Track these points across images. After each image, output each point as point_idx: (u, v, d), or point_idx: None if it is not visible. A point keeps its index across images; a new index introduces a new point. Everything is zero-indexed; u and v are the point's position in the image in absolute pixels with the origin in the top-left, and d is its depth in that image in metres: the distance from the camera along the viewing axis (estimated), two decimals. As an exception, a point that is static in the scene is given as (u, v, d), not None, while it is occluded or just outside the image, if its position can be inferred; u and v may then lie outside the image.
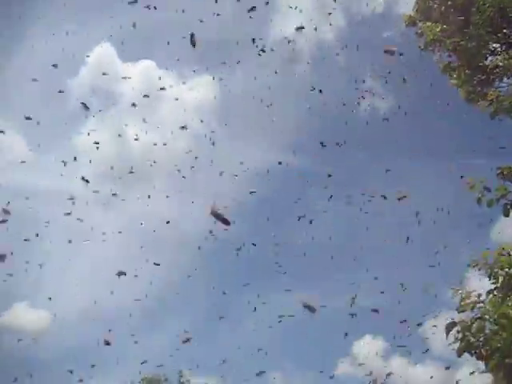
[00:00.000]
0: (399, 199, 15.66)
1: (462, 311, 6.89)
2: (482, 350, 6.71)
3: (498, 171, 10.39)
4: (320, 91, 16.43)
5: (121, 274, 16.07)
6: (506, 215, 8.60)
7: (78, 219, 18.43)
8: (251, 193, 18.61)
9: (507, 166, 10.22)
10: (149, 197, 19.59)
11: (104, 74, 22.93)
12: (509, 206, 9.33)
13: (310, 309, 14.42)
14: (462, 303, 6.90)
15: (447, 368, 16.81)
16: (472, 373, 18.31)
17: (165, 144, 19.91)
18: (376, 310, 16.01)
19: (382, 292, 18.35)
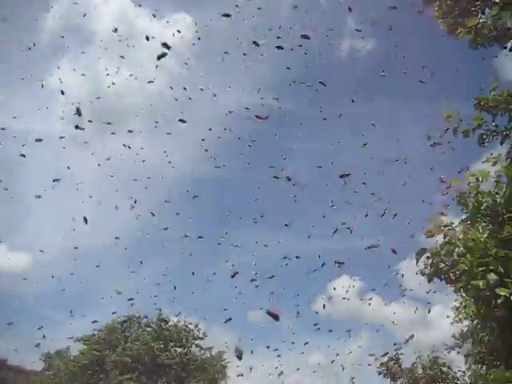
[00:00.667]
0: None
1: (430, 236, 6.96)
2: (451, 274, 6.82)
3: (475, 102, 10.35)
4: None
5: None
6: (482, 144, 8.62)
7: (54, 160, 18.17)
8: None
9: (484, 96, 10.16)
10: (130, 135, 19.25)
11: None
12: (484, 136, 9.35)
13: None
14: (430, 228, 6.95)
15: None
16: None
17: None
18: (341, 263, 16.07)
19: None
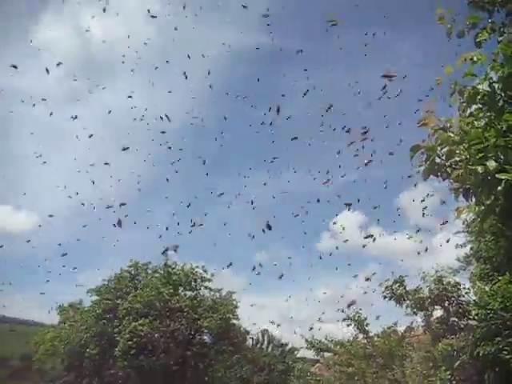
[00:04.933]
0: (386, 76, 14.79)
1: (424, 125, 6.54)
2: (447, 168, 6.46)
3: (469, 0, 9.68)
4: None
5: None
6: (479, 46, 8.09)
7: (49, 116, 17.81)
8: None
9: None
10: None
11: None
12: (480, 35, 8.79)
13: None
14: (424, 116, 6.53)
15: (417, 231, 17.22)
16: (448, 241, 18.65)
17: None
18: None
19: (367, 163, 17.93)
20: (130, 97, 19.52)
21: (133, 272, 34.51)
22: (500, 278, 14.49)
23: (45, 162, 18.58)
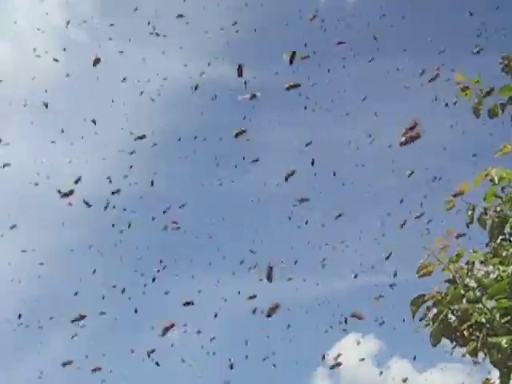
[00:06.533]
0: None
1: (425, 275, 4.55)
2: (464, 331, 4.39)
3: (504, 62, 7.79)
4: None
5: None
6: None
7: None
8: None
9: None
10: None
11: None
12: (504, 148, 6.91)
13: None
14: (423, 262, 4.55)
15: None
16: None
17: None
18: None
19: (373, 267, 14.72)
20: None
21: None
22: None
23: None
